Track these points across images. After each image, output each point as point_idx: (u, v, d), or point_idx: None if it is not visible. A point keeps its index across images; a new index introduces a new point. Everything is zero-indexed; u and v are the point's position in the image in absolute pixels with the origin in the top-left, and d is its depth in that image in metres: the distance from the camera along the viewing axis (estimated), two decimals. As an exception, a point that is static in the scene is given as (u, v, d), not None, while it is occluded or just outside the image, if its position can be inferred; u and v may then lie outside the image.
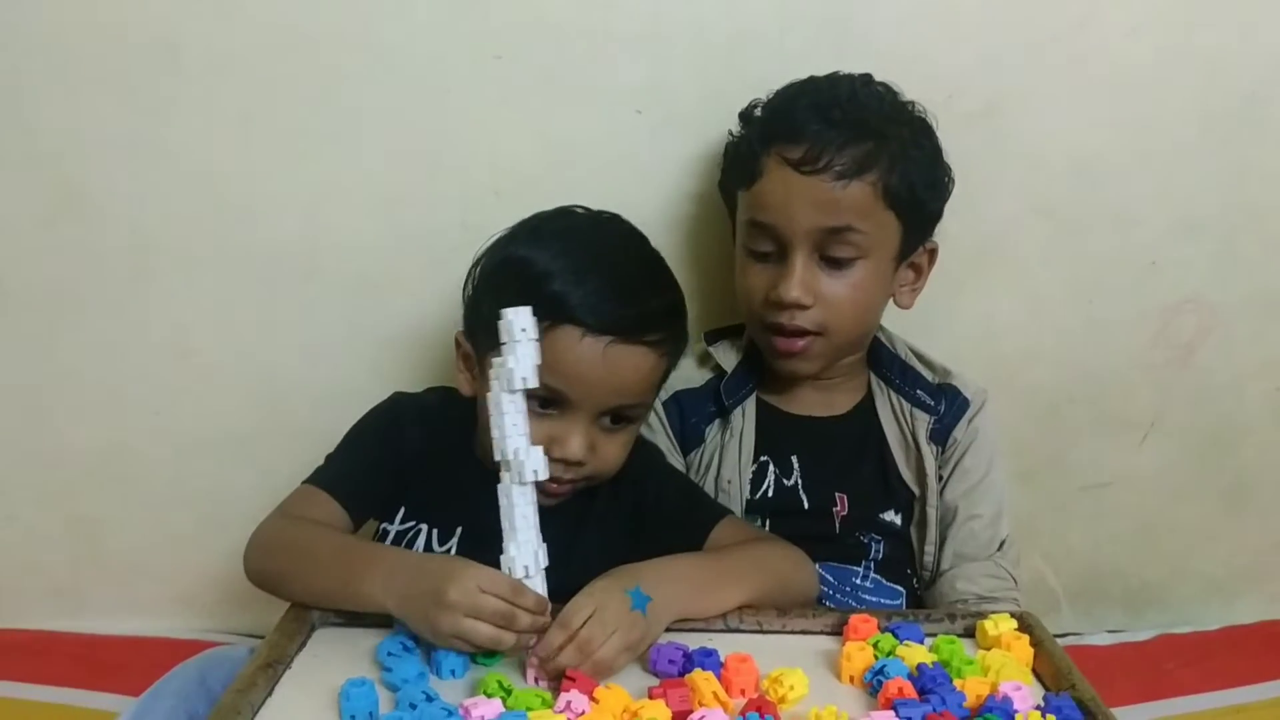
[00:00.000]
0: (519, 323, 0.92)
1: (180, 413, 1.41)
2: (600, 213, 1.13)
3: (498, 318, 0.95)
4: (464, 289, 1.13)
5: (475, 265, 1.12)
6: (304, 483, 1.10)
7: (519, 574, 0.93)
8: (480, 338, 1.08)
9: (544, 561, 0.94)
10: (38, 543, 1.45)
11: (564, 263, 1.03)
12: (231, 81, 1.30)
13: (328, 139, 1.32)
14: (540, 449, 0.94)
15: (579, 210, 1.13)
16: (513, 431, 0.94)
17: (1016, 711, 0.86)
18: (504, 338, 0.93)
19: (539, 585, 0.94)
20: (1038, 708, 0.87)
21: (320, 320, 1.38)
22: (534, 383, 0.93)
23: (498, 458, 0.94)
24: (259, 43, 1.29)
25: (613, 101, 1.31)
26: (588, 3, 1.28)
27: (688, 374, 1.27)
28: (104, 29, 1.28)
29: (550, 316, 1.00)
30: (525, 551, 0.93)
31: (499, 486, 0.95)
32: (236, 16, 1.28)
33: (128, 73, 1.29)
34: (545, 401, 1.03)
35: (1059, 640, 1.01)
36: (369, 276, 1.36)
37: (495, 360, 0.95)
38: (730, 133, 1.24)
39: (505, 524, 0.94)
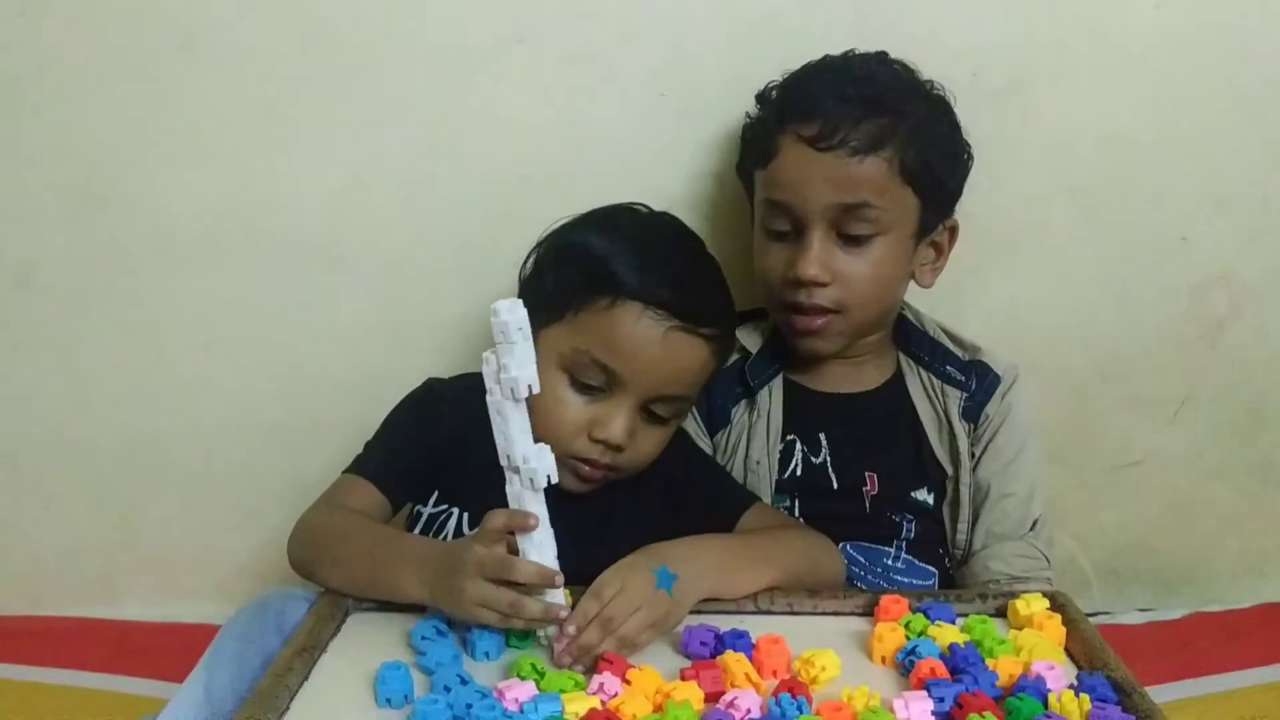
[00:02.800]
0: (514, 321, 0.85)
1: (209, 402, 1.42)
2: (662, 213, 1.16)
3: (560, 291, 1.01)
4: (520, 271, 1.14)
5: (534, 250, 1.14)
6: (345, 471, 1.11)
7: None
8: (541, 313, 1.04)
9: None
10: (72, 531, 1.47)
11: (628, 247, 1.06)
12: (254, 71, 1.31)
13: (351, 127, 1.33)
14: (548, 449, 0.90)
15: (641, 208, 1.15)
16: (520, 438, 0.89)
17: (1050, 691, 0.86)
18: (498, 338, 0.85)
19: (558, 594, 0.92)
20: (1071, 687, 0.87)
21: (346, 308, 1.39)
22: (537, 388, 0.87)
23: (503, 463, 0.91)
24: (281, 32, 1.29)
25: (637, 85, 1.31)
26: (610, -15, 1.28)
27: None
28: (127, 20, 1.29)
29: (612, 293, 1.02)
30: (545, 555, 0.91)
31: (508, 491, 0.91)
32: (258, 6, 1.29)
33: (152, 64, 1.30)
34: (592, 383, 1.05)
35: (1090, 620, 1.00)
36: (395, 264, 1.37)
37: (490, 358, 0.88)
38: (747, 114, 1.24)
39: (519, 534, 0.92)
